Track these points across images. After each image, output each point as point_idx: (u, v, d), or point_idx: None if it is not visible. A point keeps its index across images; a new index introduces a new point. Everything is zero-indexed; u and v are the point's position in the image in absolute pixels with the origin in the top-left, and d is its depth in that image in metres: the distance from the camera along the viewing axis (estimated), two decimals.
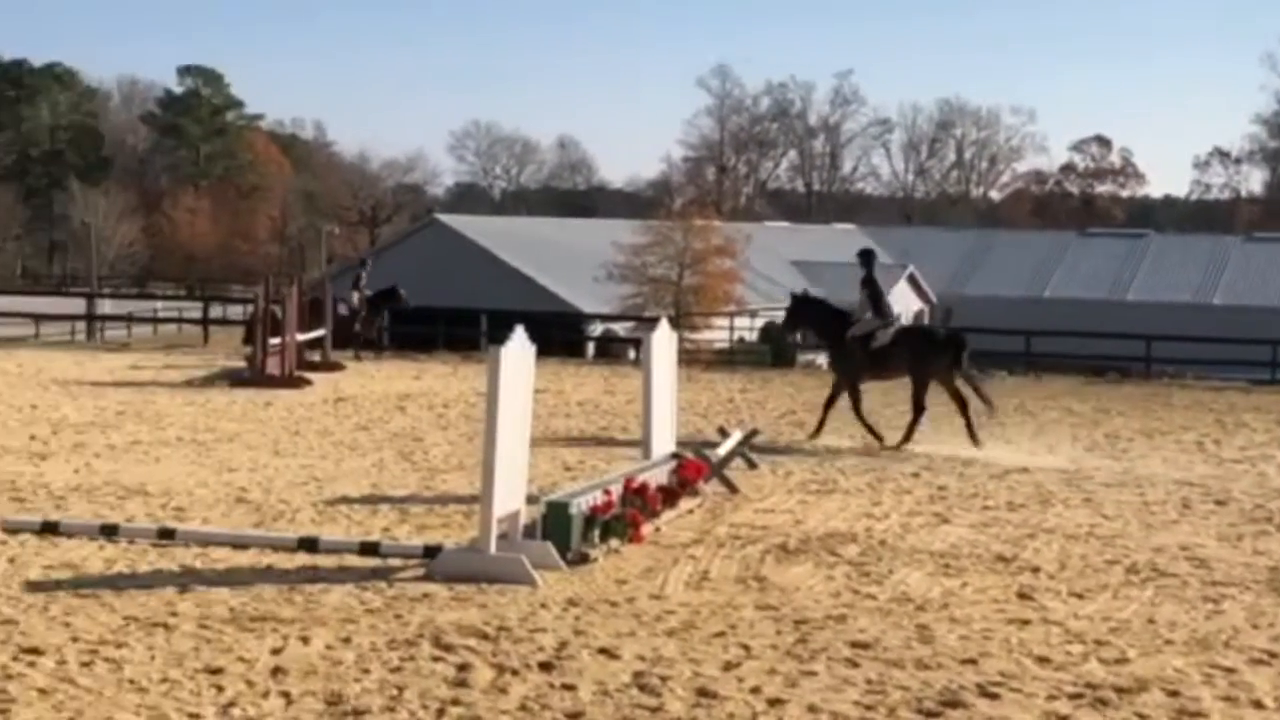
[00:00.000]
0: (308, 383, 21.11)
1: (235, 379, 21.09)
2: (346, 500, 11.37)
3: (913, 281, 57.08)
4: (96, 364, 24.09)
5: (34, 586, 8.22)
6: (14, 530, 9.68)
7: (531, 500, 9.50)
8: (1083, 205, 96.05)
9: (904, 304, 55.12)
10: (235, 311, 37.15)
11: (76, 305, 39.14)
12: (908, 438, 15.34)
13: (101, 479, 12.04)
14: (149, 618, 7.58)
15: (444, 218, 52.83)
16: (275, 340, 21.48)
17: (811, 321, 16.84)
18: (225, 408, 17.88)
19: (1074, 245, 63.02)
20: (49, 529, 9.68)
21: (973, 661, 7.09)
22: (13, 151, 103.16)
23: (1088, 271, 59.64)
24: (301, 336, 23.03)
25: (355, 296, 27.32)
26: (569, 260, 47.26)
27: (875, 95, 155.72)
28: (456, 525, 10.41)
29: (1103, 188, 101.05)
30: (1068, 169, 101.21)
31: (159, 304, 52.98)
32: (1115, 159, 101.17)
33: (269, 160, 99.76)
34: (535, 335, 9.33)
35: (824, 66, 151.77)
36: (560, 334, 34.20)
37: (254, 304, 23.42)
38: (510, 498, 8.89)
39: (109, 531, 9.61)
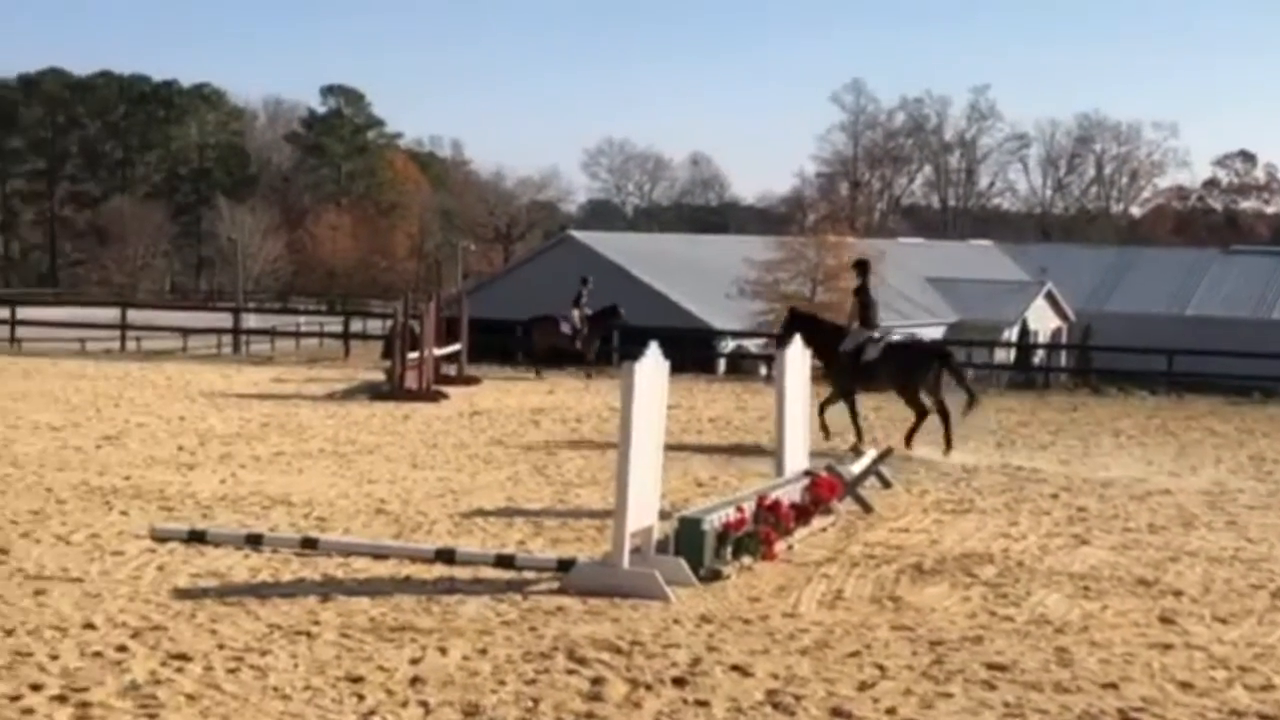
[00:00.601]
0: (444, 397, 21.39)
1: (375, 392, 21.46)
2: (482, 513, 11.50)
3: (1050, 299, 56.06)
4: (241, 377, 24.69)
5: (182, 593, 8.44)
6: (163, 538, 9.94)
7: (664, 516, 9.50)
8: (1226, 222, 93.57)
9: (1041, 322, 54.25)
10: (374, 326, 37.84)
11: (223, 320, 40.18)
12: (948, 441, 15.98)
13: (247, 489, 12.33)
14: (292, 626, 7.74)
15: (577, 234, 53.21)
16: (413, 354, 21.81)
17: (806, 337, 16.68)
18: (365, 420, 18.20)
19: (1217, 263, 61.40)
20: (196, 537, 9.94)
21: (1114, 686, 6.93)
22: (162, 170, 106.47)
23: (1231, 289, 58.07)
24: (439, 351, 23.37)
25: (576, 315, 27.51)
26: (701, 276, 47.27)
27: (1012, 110, 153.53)
28: (590, 539, 10.47)
29: (1247, 204, 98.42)
30: (1211, 185, 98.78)
31: (301, 319, 54.22)
32: (1260, 175, 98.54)
33: (408, 178, 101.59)
34: (668, 351, 9.35)
35: (960, 81, 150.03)
36: (692, 350, 34.21)
37: (393, 319, 23.83)
38: (643, 513, 8.91)
39: (254, 540, 9.83)
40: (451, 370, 24.57)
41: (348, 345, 33.83)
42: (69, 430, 16.19)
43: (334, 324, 45.17)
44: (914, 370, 16.44)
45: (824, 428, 16.45)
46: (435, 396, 21.30)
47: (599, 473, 13.87)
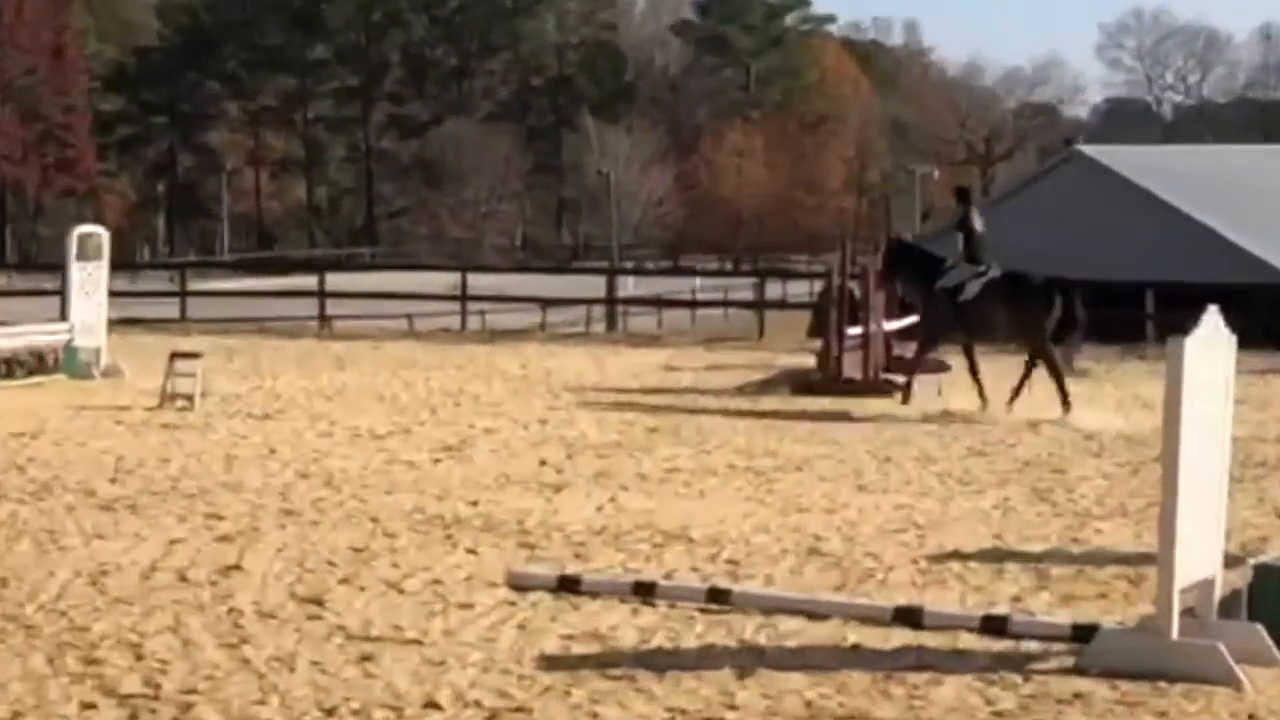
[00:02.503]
0: (899, 389, 21.34)
1: (801, 384, 21.65)
2: (959, 555, 11.44)
3: None
4: (619, 363, 25.42)
5: (551, 662, 8.75)
6: (523, 586, 10.33)
7: (1231, 562, 9.21)
8: None
9: None
10: (798, 291, 38.28)
11: (592, 285, 41.39)
12: (1064, 402, 18.71)
13: (631, 519, 12.68)
14: (700, 710, 7.91)
15: (1088, 149, 52.17)
16: (855, 330, 21.87)
17: (908, 271, 20.74)
18: (789, 424, 18.40)
19: None
20: (567, 585, 10.28)
21: None
22: (509, 82, 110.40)
23: None
24: (890, 325, 23.36)
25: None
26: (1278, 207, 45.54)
27: None
28: (1119, 595, 10.26)
29: None
30: None
31: (698, 282, 55.46)
32: None
33: (843, 79, 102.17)
34: (1233, 319, 9.03)
35: None
36: (1270, 318, 32.97)
37: (825, 280, 23.98)
38: (1199, 559, 8.67)
39: (644, 590, 10.10)
40: (909, 351, 24.50)
41: (762, 319, 34.29)
42: (397, 439, 17.09)
43: (742, 289, 45.97)
44: (1023, 308, 19.28)
45: (980, 392, 19.44)
46: (887, 389, 21.25)
47: (1129, 499, 13.57)
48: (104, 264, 23.60)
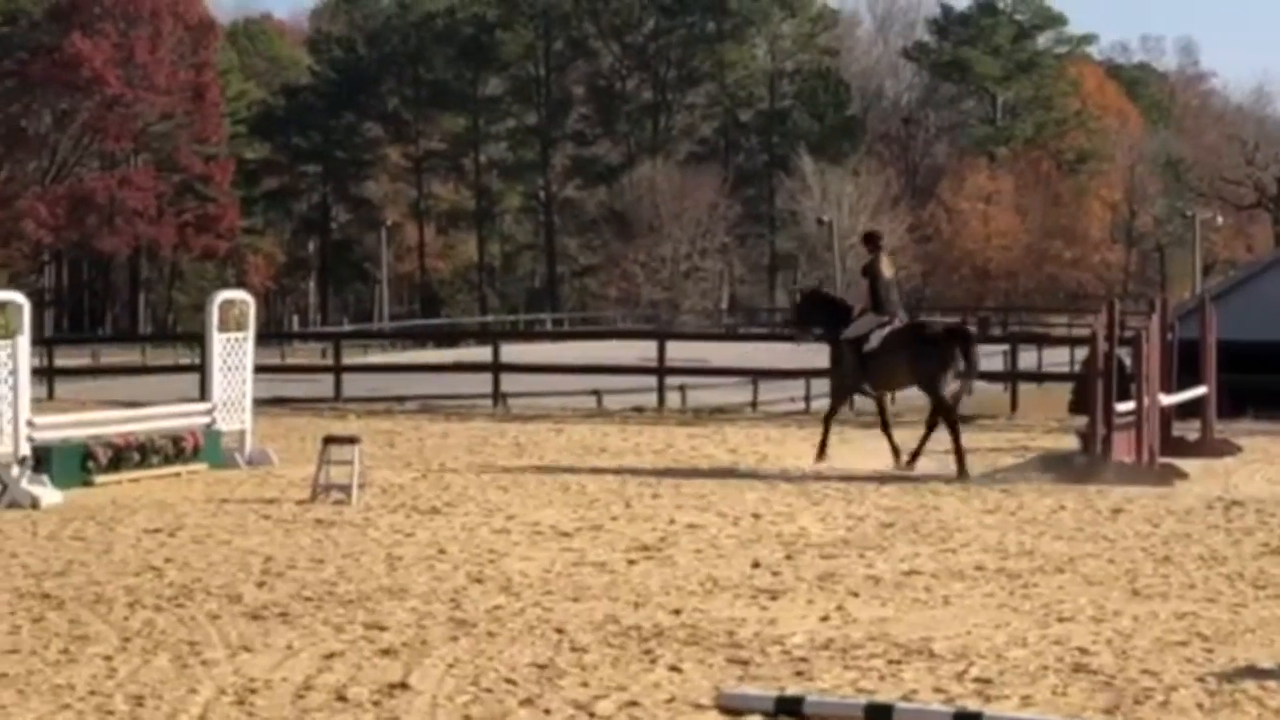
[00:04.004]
0: (1181, 475, 21.09)
1: (1062, 469, 21.46)
2: (1254, 672, 11.25)
3: None
4: (844, 446, 25.34)
5: None
6: (735, 710, 10.32)
7: None
8: None
9: None
10: (1056, 359, 37.92)
11: (812, 354, 41.32)
12: (959, 458, 21.64)
13: (862, 631, 12.62)
14: None
15: None
16: (1125, 405, 21.66)
17: (818, 320, 23.72)
18: (1048, 516, 18.25)
19: None
20: (787, 708, 10.23)
21: None
22: (713, 117, 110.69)
23: None
24: (1168, 399, 23.09)
25: None
26: None
27: None
28: None
29: None
30: None
31: None
32: None
33: (1105, 109, 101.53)
34: None
35: None
36: None
37: (1089, 347, 23.77)
38: None
39: (878, 715, 10.04)
40: (1190, 431, 24.12)
41: (1014, 390, 34.04)
42: (585, 536, 17.17)
43: (990, 357, 45.59)
44: (926, 356, 22.06)
45: (892, 448, 22.70)
46: (1165, 475, 21.04)
47: None
48: (249, 335, 23.96)
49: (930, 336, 22.63)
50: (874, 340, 22.31)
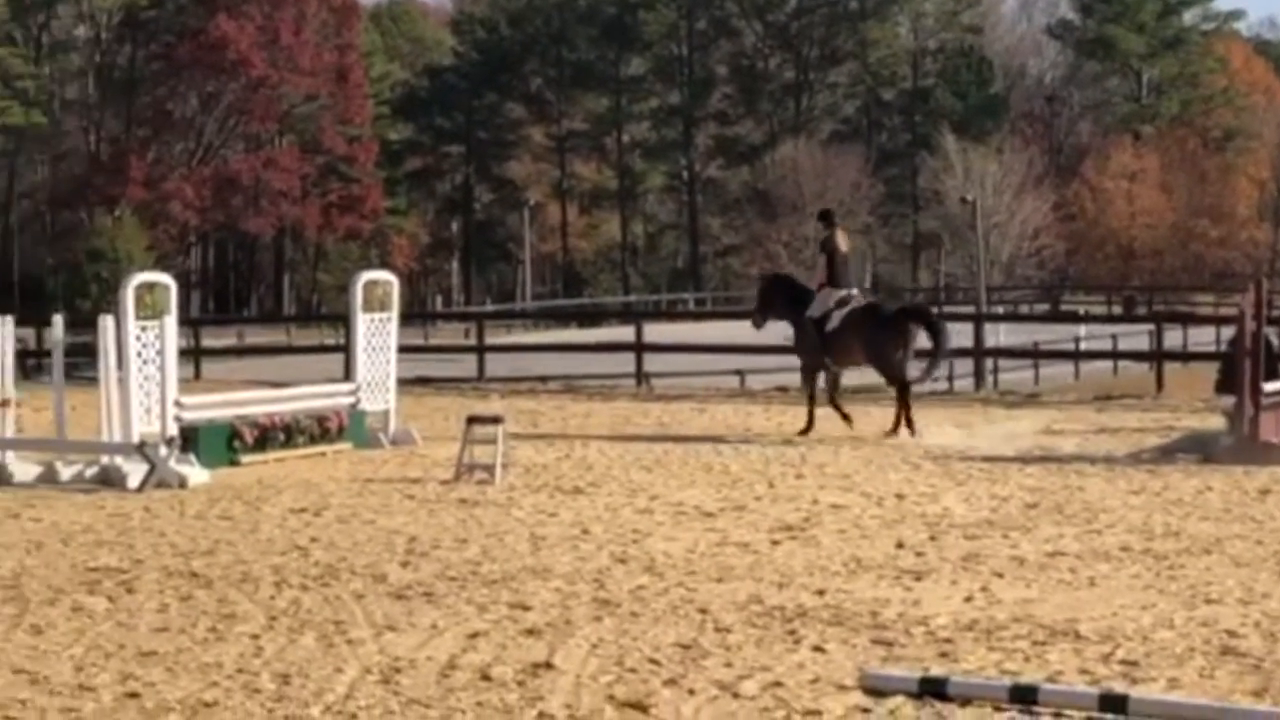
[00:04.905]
0: None
1: (1210, 450, 21.27)
2: None
3: None
4: (988, 426, 25.23)
5: None
6: (879, 691, 10.30)
7: None
8: None
9: None
10: (1203, 339, 37.58)
11: (956, 334, 41.14)
12: (898, 424, 23.70)
13: (1006, 612, 12.56)
14: None
15: None
16: (1273, 385, 21.44)
17: (780, 304, 25.37)
18: (1191, 498, 18.09)
19: None
20: (931, 689, 10.19)
21: None
22: (856, 96, 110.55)
23: None
24: None
25: None
26: None
27: None
28: None
29: None
30: None
31: (1082, 329, 54.76)
32: None
33: (1254, 86, 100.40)
34: None
35: None
36: None
37: (1235, 326, 23.54)
38: None
39: (1023, 696, 9.98)
40: None
41: (1160, 372, 33.75)
42: (728, 517, 17.19)
43: (1135, 337, 45.27)
44: (879, 336, 23.80)
45: (842, 415, 24.33)
46: None
47: None
48: (393, 315, 24.13)
49: (882, 318, 24.36)
50: (835, 320, 24.06)
